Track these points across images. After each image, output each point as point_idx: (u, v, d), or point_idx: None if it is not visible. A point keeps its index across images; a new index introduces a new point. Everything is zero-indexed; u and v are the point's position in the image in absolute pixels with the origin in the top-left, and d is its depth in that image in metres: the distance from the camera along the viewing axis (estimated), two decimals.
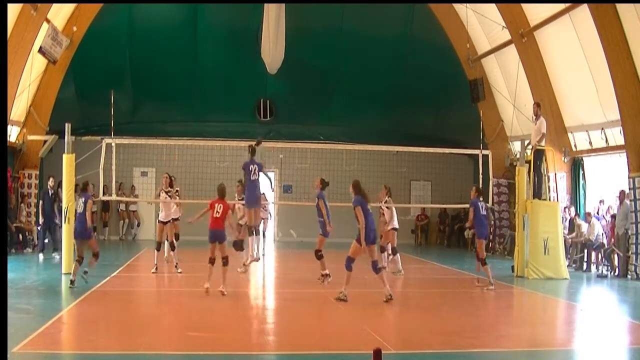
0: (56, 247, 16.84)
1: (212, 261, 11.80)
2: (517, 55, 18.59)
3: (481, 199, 13.89)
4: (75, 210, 12.78)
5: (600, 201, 17.80)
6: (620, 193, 15.66)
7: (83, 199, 12.46)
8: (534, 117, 16.28)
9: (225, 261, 11.79)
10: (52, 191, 17.37)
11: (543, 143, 16.24)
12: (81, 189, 13.09)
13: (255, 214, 13.75)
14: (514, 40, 18.54)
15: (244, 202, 13.93)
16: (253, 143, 14.01)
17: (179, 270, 14.29)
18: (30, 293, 11.69)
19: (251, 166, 13.32)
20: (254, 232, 14.11)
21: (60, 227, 15.39)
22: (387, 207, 15.04)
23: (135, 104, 22.92)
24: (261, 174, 13.57)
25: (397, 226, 15.13)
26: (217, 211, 11.70)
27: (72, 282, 12.13)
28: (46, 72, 19.83)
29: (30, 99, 19.42)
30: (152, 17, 21.05)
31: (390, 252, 15.26)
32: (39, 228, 18.28)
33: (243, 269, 14.31)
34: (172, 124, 23.00)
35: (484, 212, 13.82)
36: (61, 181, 16.21)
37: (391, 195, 15.38)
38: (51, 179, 17.40)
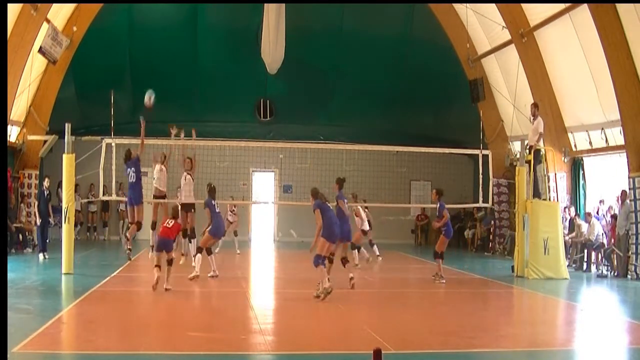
0: (44, 247, 16.83)
1: (159, 267, 12.08)
2: (517, 55, 18.58)
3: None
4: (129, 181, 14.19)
5: (600, 201, 17.80)
6: (621, 193, 15.63)
7: (133, 168, 13.89)
8: (532, 117, 16.31)
9: (170, 262, 12.25)
10: (47, 192, 17.37)
11: (541, 143, 16.25)
12: (125, 157, 14.08)
13: (215, 240, 14.57)
14: (514, 40, 18.54)
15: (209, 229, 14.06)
16: (211, 184, 14.62)
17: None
18: (30, 293, 11.70)
19: (213, 201, 14.08)
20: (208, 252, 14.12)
21: (60, 226, 15.35)
22: (355, 213, 16.50)
23: (136, 104, 22.75)
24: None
25: (365, 229, 16.69)
26: (168, 222, 12.34)
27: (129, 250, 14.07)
28: (46, 72, 19.82)
29: (30, 99, 19.41)
30: (152, 17, 21.04)
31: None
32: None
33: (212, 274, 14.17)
34: (172, 124, 22.92)
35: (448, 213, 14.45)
36: (60, 181, 16.21)
37: (357, 200, 16.76)
38: (46, 180, 17.41)
